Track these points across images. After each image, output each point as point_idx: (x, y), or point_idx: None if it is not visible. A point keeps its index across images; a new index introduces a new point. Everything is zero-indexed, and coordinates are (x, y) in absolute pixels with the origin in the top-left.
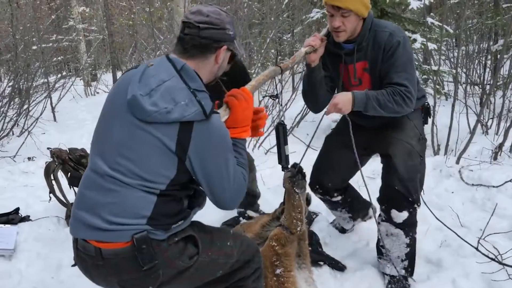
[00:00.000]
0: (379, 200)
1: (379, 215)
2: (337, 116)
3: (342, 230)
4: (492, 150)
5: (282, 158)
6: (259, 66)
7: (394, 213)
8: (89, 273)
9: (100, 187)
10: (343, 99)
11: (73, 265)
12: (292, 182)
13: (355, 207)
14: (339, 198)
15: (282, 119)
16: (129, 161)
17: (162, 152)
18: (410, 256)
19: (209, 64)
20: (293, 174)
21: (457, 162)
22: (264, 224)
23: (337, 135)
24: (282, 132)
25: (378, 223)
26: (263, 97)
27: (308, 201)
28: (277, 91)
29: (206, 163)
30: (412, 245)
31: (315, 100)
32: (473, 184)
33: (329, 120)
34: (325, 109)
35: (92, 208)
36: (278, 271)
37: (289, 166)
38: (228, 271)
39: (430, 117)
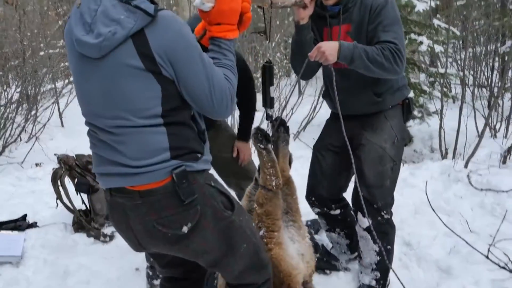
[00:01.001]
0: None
1: None
2: None
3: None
4: (501, 154)
5: (267, 100)
6: None
7: (359, 216)
8: (127, 217)
9: (109, 141)
10: (329, 45)
11: (106, 218)
12: (257, 140)
13: (354, 234)
14: (337, 211)
15: (269, 58)
16: (117, 104)
17: (136, 75)
18: (382, 269)
19: None
20: (256, 132)
21: (466, 166)
22: (248, 195)
23: (321, 140)
24: (268, 73)
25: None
26: (251, 33)
27: (290, 162)
28: (265, 31)
29: (178, 65)
30: (382, 256)
31: (303, 62)
32: (482, 189)
33: None
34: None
35: (112, 162)
36: (260, 232)
37: (273, 110)
38: (248, 260)
39: (411, 113)
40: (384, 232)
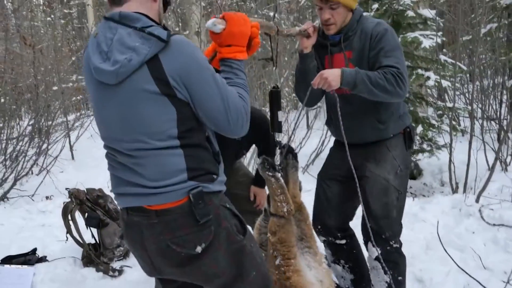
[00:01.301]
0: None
1: None
2: None
3: None
4: None
5: (275, 125)
6: None
7: (369, 245)
8: (142, 236)
9: (128, 163)
10: (331, 72)
11: (120, 237)
12: (264, 168)
13: (359, 269)
14: (343, 241)
15: (276, 84)
16: (135, 128)
17: (152, 99)
18: None
19: (147, 2)
20: (263, 161)
21: (477, 200)
22: (258, 227)
23: (326, 169)
24: (275, 97)
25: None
26: (259, 59)
27: (299, 189)
28: (272, 58)
29: (192, 87)
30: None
31: (307, 90)
32: (494, 224)
33: None
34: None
35: (130, 183)
36: (277, 261)
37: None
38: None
39: (413, 141)
40: (394, 261)
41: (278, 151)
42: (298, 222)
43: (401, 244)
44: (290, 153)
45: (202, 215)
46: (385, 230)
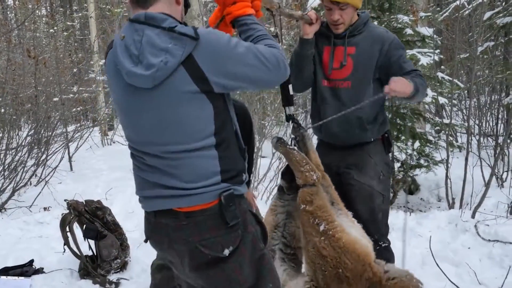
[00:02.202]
0: None
1: None
2: None
3: None
4: (508, 205)
5: (288, 99)
6: (273, 118)
7: (377, 261)
8: (170, 238)
9: (160, 165)
10: (402, 81)
11: (145, 241)
12: (283, 144)
13: None
14: None
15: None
16: (174, 130)
17: (191, 99)
18: None
19: (172, 5)
20: (278, 139)
21: (473, 216)
22: (273, 208)
23: None
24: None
25: None
26: None
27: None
28: (276, 33)
29: (231, 72)
30: None
31: (299, 75)
32: (489, 240)
33: None
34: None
35: (161, 185)
36: (321, 228)
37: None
38: None
39: (391, 145)
40: (385, 258)
41: (291, 124)
42: (325, 188)
43: (389, 243)
44: (300, 126)
45: (231, 218)
46: (374, 233)
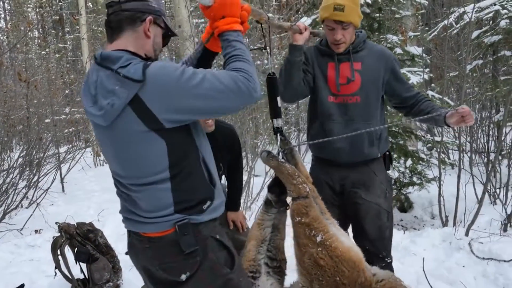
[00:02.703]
0: None
1: None
2: None
3: None
4: (501, 222)
5: (276, 111)
6: (265, 138)
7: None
8: (138, 257)
9: (128, 193)
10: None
11: (126, 253)
12: (274, 158)
13: None
14: None
15: (272, 71)
16: (129, 166)
17: (140, 138)
18: None
19: (140, 38)
20: (268, 152)
21: (466, 234)
22: (260, 222)
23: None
24: (273, 84)
25: None
26: (251, 49)
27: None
28: (265, 46)
29: (184, 106)
30: None
31: (288, 83)
32: (484, 258)
33: None
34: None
35: (128, 210)
36: (318, 239)
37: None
38: None
39: (391, 162)
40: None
41: (279, 137)
42: (315, 199)
43: (392, 259)
44: (287, 139)
45: (187, 245)
46: (381, 250)
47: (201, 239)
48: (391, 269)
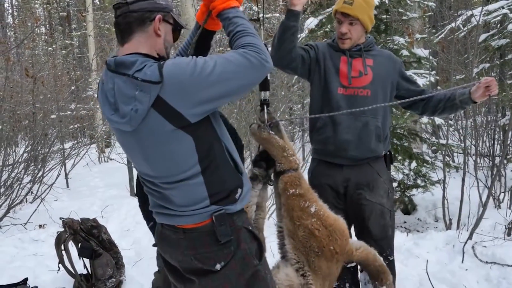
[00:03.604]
0: None
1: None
2: None
3: None
4: (505, 226)
5: (265, 83)
6: None
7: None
8: (171, 247)
9: (159, 190)
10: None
11: (153, 245)
12: (265, 129)
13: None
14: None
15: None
16: (160, 166)
17: (169, 137)
18: None
19: (151, 38)
20: (259, 124)
21: (470, 237)
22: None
23: (321, 192)
24: None
25: (361, 271)
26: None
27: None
28: (258, 18)
29: (206, 97)
30: None
31: (279, 46)
32: (487, 262)
33: None
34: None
35: (160, 206)
36: (312, 209)
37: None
38: None
39: (392, 162)
40: (392, 268)
41: (265, 109)
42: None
43: (394, 257)
44: (271, 113)
45: (223, 236)
46: (386, 248)
47: (236, 230)
48: (394, 266)
